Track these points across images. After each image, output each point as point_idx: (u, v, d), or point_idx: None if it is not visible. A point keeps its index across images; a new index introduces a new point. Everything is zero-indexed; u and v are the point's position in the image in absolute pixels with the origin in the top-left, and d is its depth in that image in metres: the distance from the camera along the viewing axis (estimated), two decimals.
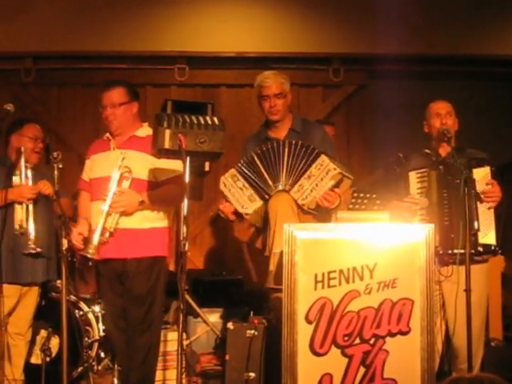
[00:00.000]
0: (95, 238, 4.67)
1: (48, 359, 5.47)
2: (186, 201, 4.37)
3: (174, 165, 4.87)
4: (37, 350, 5.58)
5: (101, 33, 8.04)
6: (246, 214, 5.07)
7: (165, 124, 5.64)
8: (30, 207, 5.13)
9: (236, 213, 5.13)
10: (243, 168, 5.11)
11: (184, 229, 4.30)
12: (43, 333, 5.63)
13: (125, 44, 8.06)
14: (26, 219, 5.11)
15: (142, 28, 8.08)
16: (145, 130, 5.03)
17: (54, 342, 5.52)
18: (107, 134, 5.01)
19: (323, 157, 4.92)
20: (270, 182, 5.01)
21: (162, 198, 4.89)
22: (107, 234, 4.74)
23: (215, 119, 6.16)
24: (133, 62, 8.17)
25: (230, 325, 4.99)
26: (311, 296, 4.11)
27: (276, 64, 7.53)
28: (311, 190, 4.88)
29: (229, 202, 5.13)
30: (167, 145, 5.58)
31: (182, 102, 7.07)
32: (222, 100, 8.14)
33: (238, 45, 8.11)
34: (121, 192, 4.75)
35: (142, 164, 4.85)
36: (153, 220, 4.91)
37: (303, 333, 4.10)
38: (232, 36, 8.11)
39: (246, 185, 5.07)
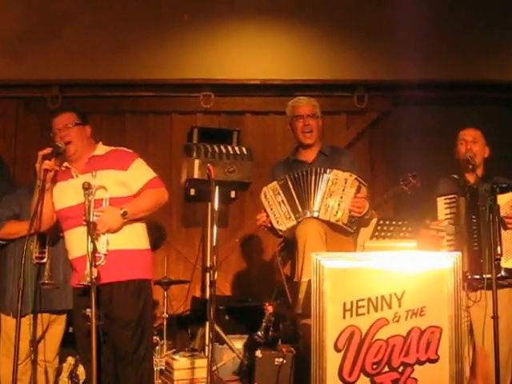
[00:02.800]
0: (88, 265, 4.37)
1: None
2: (215, 229, 4.40)
3: (143, 172, 4.82)
4: (64, 377, 5.61)
5: (127, 61, 8.12)
6: (280, 231, 5.11)
7: (194, 154, 5.69)
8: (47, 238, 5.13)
9: (272, 226, 5.17)
10: (283, 185, 5.14)
11: (214, 258, 4.31)
12: (70, 360, 5.67)
13: (151, 72, 8.12)
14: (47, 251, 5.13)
15: (168, 56, 8.15)
16: (102, 149, 4.90)
17: (82, 369, 5.52)
18: (64, 164, 4.84)
19: (334, 171, 5.01)
20: (300, 208, 5.05)
21: (143, 204, 4.74)
22: (102, 258, 4.55)
23: (243, 149, 6.21)
24: (159, 89, 8.23)
25: (258, 353, 4.99)
26: (340, 324, 4.12)
27: (300, 91, 7.52)
28: (339, 205, 4.93)
29: (266, 214, 5.17)
30: (196, 175, 5.64)
31: (208, 130, 7.08)
32: (247, 127, 8.15)
33: (263, 72, 8.16)
34: (101, 211, 4.57)
35: (112, 181, 4.70)
36: (134, 242, 4.76)
37: (332, 361, 4.09)
38: (257, 63, 8.15)
39: (285, 201, 5.10)
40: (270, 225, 5.21)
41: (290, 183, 5.14)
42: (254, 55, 8.17)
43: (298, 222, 5.04)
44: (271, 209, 5.14)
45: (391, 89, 8.20)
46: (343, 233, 5.07)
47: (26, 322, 5.01)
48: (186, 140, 7.25)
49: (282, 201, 5.11)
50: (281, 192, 5.14)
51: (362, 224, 5.15)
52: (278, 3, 8.24)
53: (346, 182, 4.98)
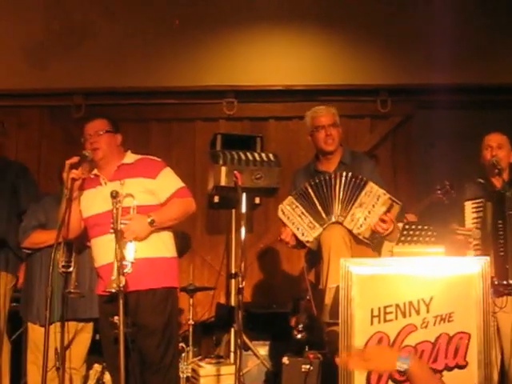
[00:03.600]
0: (115, 272, 4.37)
1: None
2: (243, 235, 4.40)
3: (171, 181, 4.85)
4: None
5: (150, 68, 8.15)
6: (307, 242, 5.06)
7: (220, 161, 5.68)
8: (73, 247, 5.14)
9: (297, 240, 5.12)
10: (300, 196, 5.11)
11: (242, 265, 4.30)
12: (97, 367, 5.66)
13: (173, 79, 8.16)
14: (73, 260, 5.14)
15: (191, 63, 8.17)
16: (131, 157, 4.93)
17: (108, 377, 5.41)
18: (93, 171, 4.88)
19: (371, 184, 4.93)
20: (324, 214, 5.02)
21: (171, 213, 4.76)
22: (129, 265, 4.56)
23: (270, 155, 6.19)
24: (182, 96, 8.25)
25: (285, 359, 4.96)
26: (368, 331, 4.08)
27: (324, 96, 7.56)
28: (365, 218, 4.87)
29: (288, 229, 5.13)
30: (223, 182, 5.63)
31: (232, 136, 7.10)
32: (271, 133, 8.17)
33: (286, 78, 8.16)
34: (128, 219, 4.59)
35: (141, 189, 4.72)
36: (161, 250, 4.77)
37: None
38: (279, 69, 8.16)
39: (305, 212, 5.06)
40: (295, 241, 5.15)
41: (310, 190, 5.10)
42: (276, 61, 8.17)
43: (324, 229, 5.02)
44: (293, 223, 5.11)
45: (414, 93, 8.17)
46: (361, 243, 5.00)
47: (53, 330, 4.97)
48: (209, 147, 7.27)
49: (302, 213, 5.08)
50: (298, 205, 5.11)
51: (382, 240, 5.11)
52: (301, 9, 8.23)
53: (378, 199, 4.90)
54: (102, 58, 8.21)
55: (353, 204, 4.93)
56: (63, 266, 5.15)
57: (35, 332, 5.31)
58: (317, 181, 5.08)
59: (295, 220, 5.09)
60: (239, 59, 8.19)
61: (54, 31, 8.23)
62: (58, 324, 5.02)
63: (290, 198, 5.15)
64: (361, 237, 4.88)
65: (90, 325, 5.42)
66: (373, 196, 4.91)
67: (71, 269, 5.09)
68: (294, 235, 5.12)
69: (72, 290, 4.87)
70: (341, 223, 4.95)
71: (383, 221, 4.84)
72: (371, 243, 4.95)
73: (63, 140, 8.25)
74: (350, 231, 4.91)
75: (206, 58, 8.19)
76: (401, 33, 8.17)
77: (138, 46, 8.22)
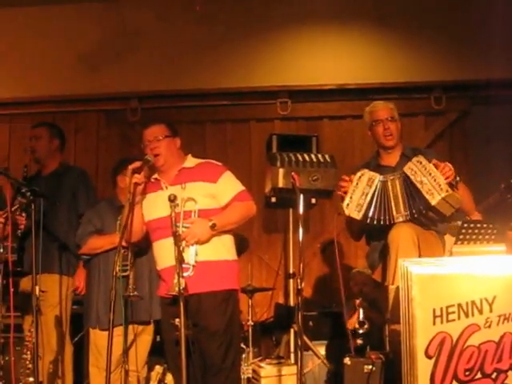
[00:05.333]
0: (176, 275, 4.38)
1: None
2: (300, 236, 4.40)
3: (232, 184, 4.87)
4: None
5: (203, 70, 8.20)
6: (342, 210, 5.07)
7: (278, 163, 5.68)
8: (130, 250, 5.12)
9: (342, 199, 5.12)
10: (380, 183, 5.09)
11: (300, 266, 4.29)
12: (158, 368, 5.69)
13: (227, 80, 8.20)
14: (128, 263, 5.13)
15: (244, 64, 8.23)
16: (191, 161, 4.95)
17: (170, 378, 5.53)
18: (154, 176, 4.91)
19: (405, 168, 4.99)
20: (394, 212, 4.99)
21: (232, 217, 4.78)
22: (190, 268, 4.59)
23: (327, 156, 6.18)
24: (236, 98, 8.30)
25: (347, 360, 4.91)
26: (430, 331, 4.03)
27: (377, 95, 7.47)
28: (435, 180, 4.84)
29: (347, 187, 5.13)
30: (281, 183, 5.64)
31: (287, 136, 7.10)
32: (325, 132, 8.14)
33: (339, 77, 8.15)
34: (190, 222, 4.63)
35: (202, 193, 4.74)
36: (222, 253, 4.79)
37: (423, 368, 4.00)
38: (332, 68, 8.15)
39: (369, 195, 5.06)
40: (343, 196, 5.15)
41: (389, 184, 5.07)
42: (329, 60, 8.17)
43: (361, 220, 5.02)
44: (353, 190, 5.08)
45: (470, 88, 8.09)
46: (451, 214, 5.00)
47: (114, 333, 5.01)
48: (264, 147, 7.28)
49: (367, 194, 5.05)
50: (373, 186, 5.07)
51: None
52: (353, 7, 8.22)
53: (421, 163, 4.93)
54: (156, 62, 8.29)
55: (418, 190, 4.91)
56: (120, 270, 5.17)
57: (96, 336, 5.36)
58: (385, 179, 5.07)
59: (357, 191, 5.08)
60: (292, 59, 8.18)
61: (108, 36, 8.32)
62: (119, 327, 4.98)
63: (376, 174, 5.13)
64: (449, 192, 4.80)
65: (151, 327, 5.43)
66: (417, 167, 4.94)
67: (128, 272, 5.09)
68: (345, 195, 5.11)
69: (131, 294, 4.90)
70: (410, 220, 4.93)
71: (443, 168, 4.86)
72: (458, 194, 4.89)
73: (119, 144, 8.38)
74: (443, 201, 4.83)
75: (259, 59, 8.25)
76: (455, 27, 8.09)
77: (191, 49, 8.28)
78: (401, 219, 4.96)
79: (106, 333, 4.96)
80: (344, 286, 5.13)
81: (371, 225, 5.07)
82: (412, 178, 4.93)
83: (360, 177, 5.12)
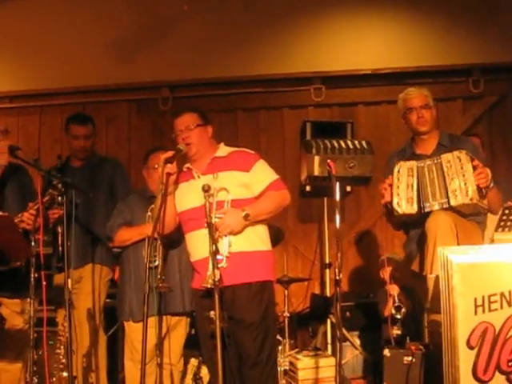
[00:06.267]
0: (210, 267, 4.30)
1: None
2: (337, 224, 4.33)
3: (265, 173, 4.77)
4: (188, 379, 5.62)
5: (235, 58, 8.14)
6: (396, 212, 4.99)
7: (313, 150, 5.60)
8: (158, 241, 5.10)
9: (390, 202, 5.06)
10: (419, 170, 5.01)
11: (338, 256, 4.22)
12: (193, 361, 5.67)
13: (259, 68, 8.12)
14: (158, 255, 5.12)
15: (276, 51, 8.11)
16: (224, 150, 4.87)
17: (205, 371, 5.51)
18: (186, 165, 4.86)
19: (443, 156, 4.89)
20: (424, 198, 4.93)
21: (266, 207, 4.69)
22: (224, 260, 4.52)
23: (363, 142, 6.09)
24: (268, 85, 8.21)
25: (386, 351, 4.85)
26: (472, 321, 3.93)
27: (413, 79, 7.40)
28: (465, 183, 4.77)
29: (391, 188, 5.06)
30: (317, 171, 5.56)
31: (321, 123, 7.03)
32: (360, 118, 8.02)
33: (374, 61, 8.02)
34: (223, 213, 4.55)
35: (235, 182, 4.66)
36: (256, 243, 4.71)
37: (465, 359, 3.90)
38: (367, 53, 8.01)
39: (415, 186, 4.97)
40: (388, 198, 5.08)
41: (426, 169, 4.99)
42: (363, 44, 8.03)
43: (417, 213, 4.92)
44: (398, 187, 5.01)
45: (509, 71, 7.89)
46: (475, 213, 4.93)
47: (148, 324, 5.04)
48: (298, 134, 7.21)
49: (412, 185, 4.97)
50: (415, 175, 4.99)
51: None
52: None
53: (460, 160, 4.83)
54: (187, 50, 8.21)
55: (446, 183, 4.85)
56: (149, 262, 5.12)
57: (130, 329, 5.34)
58: (422, 164, 5.00)
59: (402, 186, 5.00)
60: (326, 44, 8.08)
61: (139, 25, 8.25)
62: (151, 319, 4.92)
63: (413, 163, 5.05)
64: (474, 201, 4.76)
65: (185, 319, 5.37)
66: (454, 162, 4.85)
67: (156, 263, 5.06)
68: (391, 196, 5.04)
69: (160, 285, 4.85)
70: (449, 207, 4.85)
71: (479, 173, 4.77)
72: (483, 205, 4.84)
73: (151, 133, 8.35)
74: (462, 206, 4.80)
75: (291, 45, 8.12)
76: (492, 9, 7.91)
77: (222, 36, 8.20)
78: (437, 207, 4.87)
79: (139, 325, 5.01)
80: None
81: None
82: (445, 169, 4.86)
83: (399, 171, 5.05)
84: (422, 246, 4.96)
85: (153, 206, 5.17)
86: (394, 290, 5.77)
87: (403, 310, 5.45)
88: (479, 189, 4.77)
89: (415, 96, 5.26)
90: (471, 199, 4.76)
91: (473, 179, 4.76)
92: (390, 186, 5.06)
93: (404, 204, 4.95)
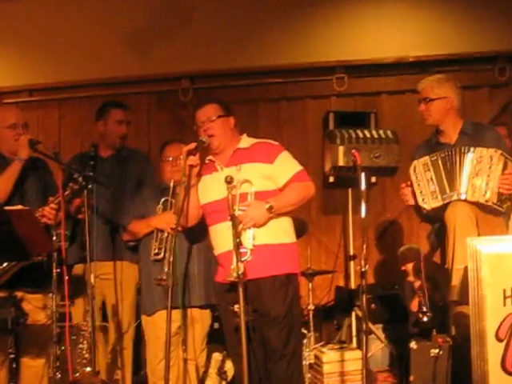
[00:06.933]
0: (234, 260, 4.28)
1: (224, 383, 5.47)
2: (363, 214, 4.28)
3: (289, 165, 4.72)
4: (212, 373, 5.57)
5: (255, 48, 8.05)
6: (424, 209, 4.96)
7: (338, 141, 5.57)
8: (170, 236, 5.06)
9: (416, 203, 5.04)
10: (434, 162, 4.98)
11: (363, 247, 4.16)
12: (217, 356, 5.63)
13: (280, 57, 8.01)
14: (164, 247, 5.09)
15: (297, 40, 8.02)
16: (247, 141, 4.81)
17: (229, 365, 5.44)
18: (208, 157, 4.81)
19: (479, 149, 4.81)
20: (448, 189, 4.88)
21: (290, 198, 4.64)
22: (248, 253, 4.47)
23: (388, 132, 6.04)
24: (289, 75, 8.10)
25: (413, 344, 4.82)
26: (500, 312, 3.84)
27: (437, 67, 7.28)
28: (486, 184, 4.73)
29: (412, 189, 5.04)
30: (341, 162, 5.52)
31: (344, 113, 6.99)
32: (384, 108, 7.90)
33: (397, 50, 7.89)
34: (246, 205, 4.50)
35: (258, 174, 4.61)
36: (281, 236, 4.66)
37: (494, 351, 3.82)
38: (390, 41, 7.89)
39: (434, 179, 4.94)
40: (412, 200, 5.07)
41: (440, 162, 4.96)
42: (386, 32, 7.89)
43: (444, 204, 4.87)
44: (418, 185, 4.99)
45: None
46: (493, 213, 4.83)
47: (159, 318, 5.07)
48: (321, 125, 7.16)
49: (431, 178, 4.95)
50: (431, 169, 4.98)
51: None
52: None
53: (491, 159, 4.77)
54: (206, 41, 8.12)
55: (469, 175, 4.80)
56: (155, 254, 5.12)
57: (146, 323, 5.34)
58: (443, 154, 4.96)
59: (422, 183, 4.99)
60: (348, 33, 7.96)
61: (158, 17, 8.16)
62: (161, 312, 5.02)
63: (426, 158, 5.03)
64: (490, 203, 4.72)
65: (207, 312, 5.30)
66: (485, 159, 4.79)
67: (161, 256, 5.04)
68: (415, 197, 5.03)
69: (164, 277, 4.78)
70: (465, 200, 4.79)
71: (505, 178, 4.72)
72: (502, 208, 4.79)
73: (171, 125, 8.27)
74: (476, 204, 4.76)
75: (312, 34, 8.00)
76: None
77: (243, 26, 8.10)
78: (455, 197, 4.83)
79: (151, 318, 5.16)
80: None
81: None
82: (474, 162, 4.81)
83: (414, 170, 5.04)
84: (442, 237, 4.93)
85: (164, 198, 5.22)
86: (421, 288, 5.71)
87: (428, 314, 5.40)
88: (500, 194, 4.73)
89: (421, 88, 5.26)
90: (487, 201, 4.73)
91: (496, 182, 4.72)
92: (410, 187, 5.06)
93: (429, 199, 4.94)
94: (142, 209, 5.39)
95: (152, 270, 5.11)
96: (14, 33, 8.24)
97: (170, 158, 5.35)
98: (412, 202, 5.07)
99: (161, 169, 5.47)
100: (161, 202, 5.24)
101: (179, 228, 4.68)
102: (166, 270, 4.81)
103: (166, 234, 5.08)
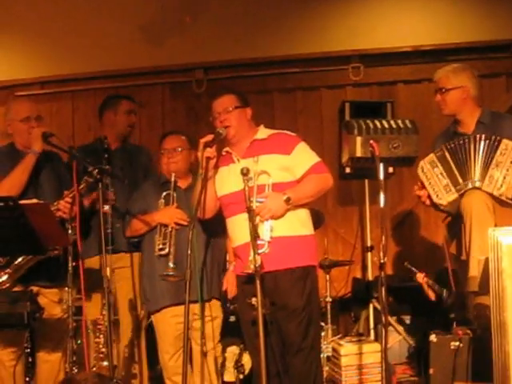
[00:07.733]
0: (251, 252, 4.21)
1: (241, 376, 5.44)
2: (382, 204, 4.25)
3: (307, 156, 4.68)
4: (229, 366, 5.52)
5: (270, 38, 7.99)
6: (441, 205, 4.91)
7: (355, 131, 5.53)
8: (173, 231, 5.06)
9: (432, 201, 4.98)
10: (441, 157, 4.93)
11: (383, 239, 4.12)
12: (234, 349, 5.58)
13: (295, 47, 7.96)
14: (168, 242, 5.05)
15: (312, 29, 7.94)
16: (264, 132, 4.78)
17: (247, 358, 5.44)
18: (225, 149, 4.78)
19: (505, 141, 4.73)
20: (460, 179, 4.83)
21: (307, 190, 4.61)
22: (266, 245, 4.44)
23: (407, 122, 5.99)
24: (305, 64, 8.03)
25: (432, 337, 4.80)
26: None
27: (454, 56, 7.21)
28: (504, 177, 4.67)
29: (424, 188, 4.99)
30: (359, 153, 5.48)
31: (360, 103, 6.95)
32: (400, 97, 7.84)
33: (414, 38, 7.80)
34: (264, 197, 4.48)
35: (275, 166, 4.59)
36: (298, 228, 4.63)
37: None
38: (406, 29, 7.81)
39: (444, 173, 4.89)
40: (429, 200, 5.01)
41: (447, 154, 4.92)
42: (403, 20, 7.83)
43: (460, 195, 4.82)
44: (429, 183, 4.95)
45: None
46: (506, 206, 4.76)
47: (168, 314, 5.09)
48: (336, 115, 7.11)
49: (441, 173, 4.90)
50: (439, 164, 4.93)
51: None
52: None
53: None
54: (220, 31, 8.07)
55: (489, 166, 4.74)
56: (160, 249, 5.07)
57: (154, 319, 5.31)
58: (452, 145, 4.91)
59: (433, 180, 4.95)
60: (364, 22, 7.86)
61: (171, 7, 8.13)
62: (170, 309, 5.06)
63: (431, 155, 4.98)
64: (503, 197, 4.67)
65: (215, 307, 5.22)
66: (509, 153, 4.71)
67: (166, 251, 5.00)
68: (430, 197, 4.99)
69: (170, 273, 4.81)
70: (479, 188, 4.74)
71: None
72: None
73: (185, 116, 8.23)
74: (490, 195, 4.70)
75: (328, 23, 7.94)
76: None
77: (257, 16, 8.03)
78: (470, 186, 4.79)
79: (158, 315, 5.16)
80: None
81: None
82: (498, 153, 4.74)
83: (422, 170, 5.01)
84: (456, 229, 4.89)
85: (165, 192, 5.17)
86: (420, 278, 5.73)
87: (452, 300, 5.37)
88: None
89: (436, 78, 5.20)
90: (501, 195, 4.68)
91: None
92: (423, 188, 5.02)
93: (443, 194, 4.90)
94: (143, 204, 5.34)
95: (156, 265, 5.07)
96: (26, 25, 8.20)
97: (162, 152, 5.30)
98: (428, 203, 5.04)
99: (159, 161, 5.41)
100: (162, 196, 5.19)
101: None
102: (171, 265, 4.85)
103: (169, 229, 5.05)
